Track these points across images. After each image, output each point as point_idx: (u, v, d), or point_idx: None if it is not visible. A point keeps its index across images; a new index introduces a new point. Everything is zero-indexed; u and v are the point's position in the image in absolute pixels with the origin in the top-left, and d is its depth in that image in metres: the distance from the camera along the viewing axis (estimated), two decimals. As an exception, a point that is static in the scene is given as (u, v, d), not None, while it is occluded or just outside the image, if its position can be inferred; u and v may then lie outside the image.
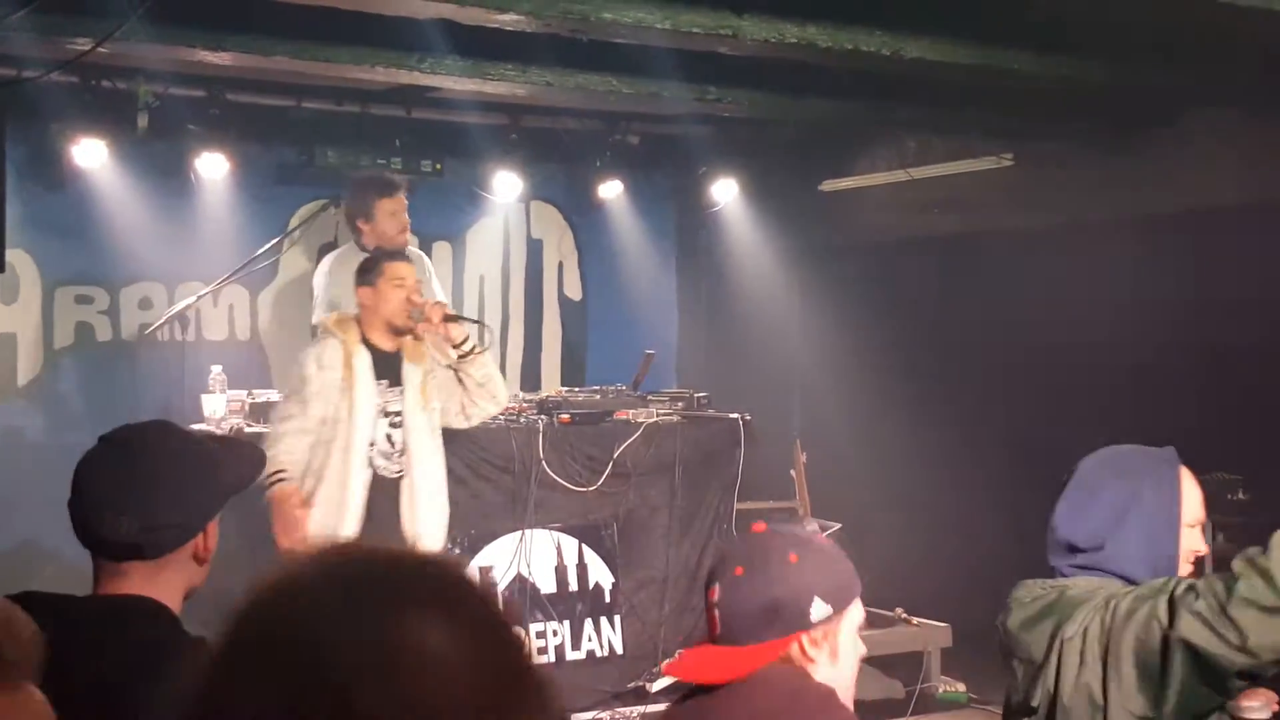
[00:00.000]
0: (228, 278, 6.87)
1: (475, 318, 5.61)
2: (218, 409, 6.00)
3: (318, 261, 7.47)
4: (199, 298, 6.77)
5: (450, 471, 6.13)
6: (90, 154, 6.69)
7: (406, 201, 6.95)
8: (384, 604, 1.00)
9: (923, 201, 8.02)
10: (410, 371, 5.54)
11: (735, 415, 6.76)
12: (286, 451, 5.34)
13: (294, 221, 7.67)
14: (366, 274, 5.54)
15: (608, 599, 6.51)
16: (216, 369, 6.18)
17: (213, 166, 7.00)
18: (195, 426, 5.36)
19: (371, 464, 5.50)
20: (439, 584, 1.04)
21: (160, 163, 7.14)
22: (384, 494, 5.51)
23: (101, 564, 2.21)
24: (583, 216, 8.95)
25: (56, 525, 2.22)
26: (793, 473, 6.55)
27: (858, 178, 8.47)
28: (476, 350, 5.64)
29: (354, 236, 6.96)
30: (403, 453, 5.52)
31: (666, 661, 6.47)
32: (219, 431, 5.78)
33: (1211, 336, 6.33)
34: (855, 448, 7.72)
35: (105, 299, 7.58)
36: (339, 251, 7.08)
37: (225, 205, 7.42)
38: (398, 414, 5.50)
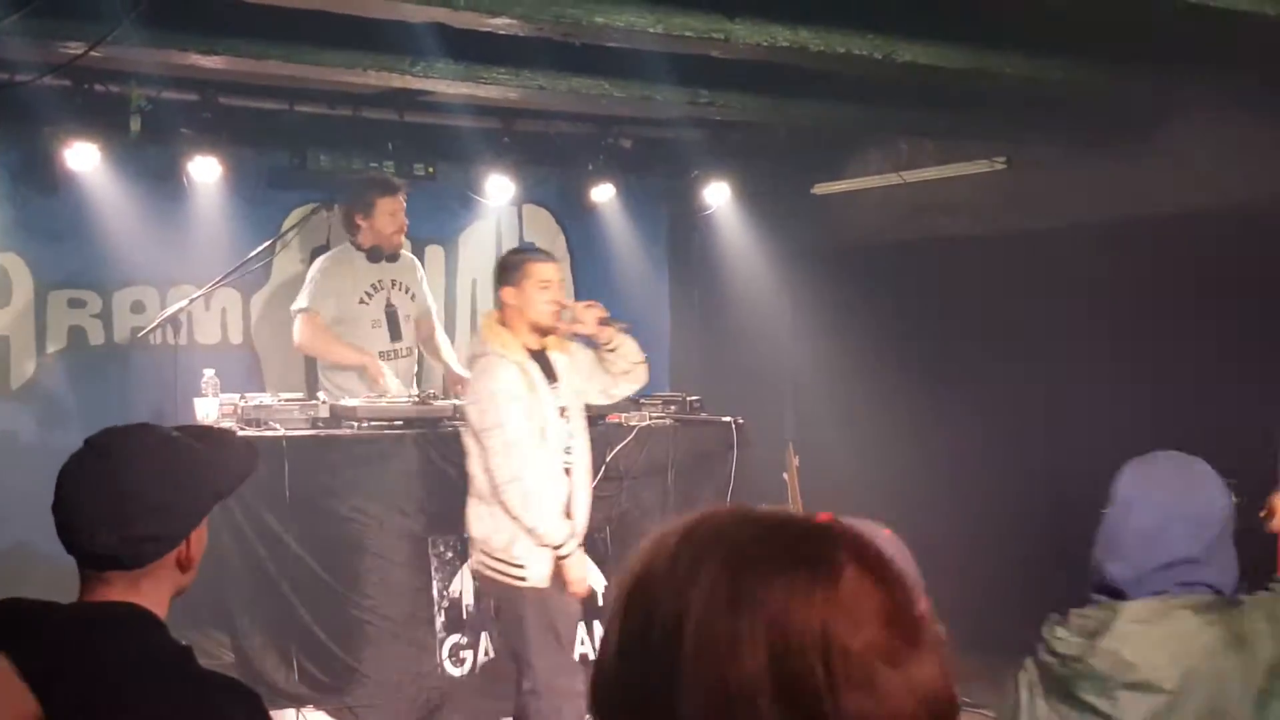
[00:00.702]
0: (220, 281, 6.87)
1: (624, 323, 5.59)
2: (210, 413, 6.00)
3: (309, 266, 7.49)
4: (191, 301, 6.77)
5: (444, 474, 6.14)
6: (83, 157, 6.69)
7: (405, 203, 6.99)
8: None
9: (916, 205, 8.03)
10: (559, 362, 5.47)
11: (728, 419, 6.76)
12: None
13: (286, 225, 7.67)
14: (509, 273, 5.40)
15: (600, 602, 6.50)
16: (209, 372, 6.17)
17: (205, 170, 6.99)
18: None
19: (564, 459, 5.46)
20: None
21: (153, 166, 7.14)
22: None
23: (85, 571, 2.21)
24: (575, 220, 8.96)
25: (48, 529, 2.21)
26: (785, 476, 6.54)
27: (850, 181, 8.48)
28: (620, 345, 5.59)
29: (350, 234, 6.99)
30: (570, 447, 5.44)
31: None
32: (213, 425, 5.75)
33: (1204, 337, 6.34)
34: (848, 451, 7.72)
35: (98, 302, 7.58)
36: (336, 250, 7.11)
37: (217, 209, 7.42)
38: (563, 408, 5.41)
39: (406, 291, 7.16)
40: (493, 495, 5.19)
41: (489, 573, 5.25)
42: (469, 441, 5.32)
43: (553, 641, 5.24)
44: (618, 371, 5.60)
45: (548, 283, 5.36)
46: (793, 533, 1.13)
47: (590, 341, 5.61)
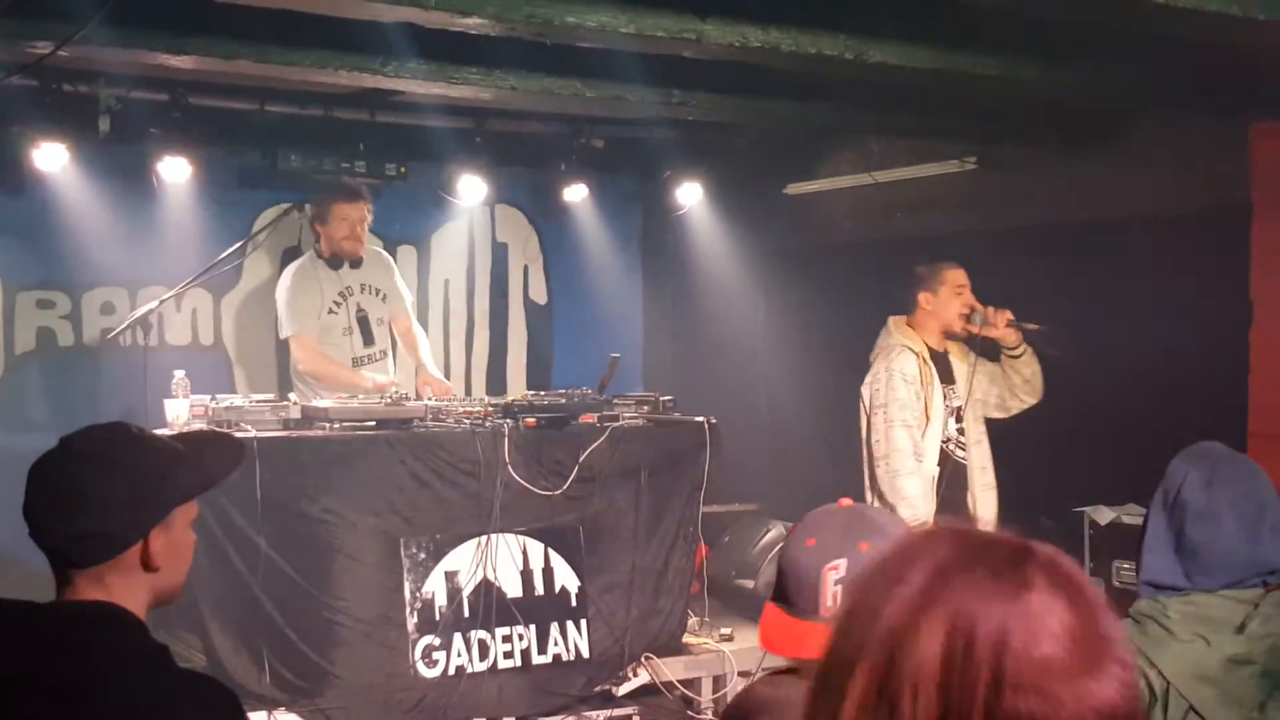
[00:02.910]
0: (190, 282, 6.83)
1: (1035, 324, 5.97)
2: (180, 414, 5.96)
3: (280, 267, 7.47)
4: (161, 302, 6.73)
5: (416, 475, 6.13)
6: (51, 158, 6.65)
7: (368, 211, 6.96)
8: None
9: (886, 204, 8.06)
10: (959, 368, 6.03)
11: (701, 418, 6.76)
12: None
13: (257, 225, 7.64)
14: (927, 280, 6.01)
15: (574, 603, 6.50)
16: (179, 374, 6.14)
17: (175, 170, 6.96)
18: (158, 432, 5.32)
19: (950, 455, 5.94)
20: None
21: (122, 166, 7.10)
22: (956, 483, 5.91)
23: (54, 570, 2.20)
24: (548, 220, 8.96)
25: (19, 530, 2.20)
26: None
27: (822, 181, 8.50)
28: (1024, 352, 5.99)
29: (313, 239, 6.98)
30: (964, 444, 5.97)
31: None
32: (174, 429, 5.72)
33: (1171, 339, 6.38)
34: (821, 449, 7.74)
35: (67, 304, 7.54)
36: (299, 263, 7.06)
37: (188, 209, 7.39)
38: (959, 409, 5.98)
39: (377, 294, 7.14)
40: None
41: None
42: (863, 419, 5.98)
43: None
44: (1018, 381, 6.01)
45: (962, 287, 5.96)
46: (994, 548, 1.23)
47: (995, 348, 6.04)
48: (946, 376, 5.99)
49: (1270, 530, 2.68)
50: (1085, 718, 1.15)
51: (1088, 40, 5.31)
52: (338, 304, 6.98)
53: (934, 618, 1.16)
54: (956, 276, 5.98)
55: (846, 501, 2.47)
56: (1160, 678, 2.60)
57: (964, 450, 5.98)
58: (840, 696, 1.19)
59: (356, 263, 7.03)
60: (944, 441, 5.92)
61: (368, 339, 7.05)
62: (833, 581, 2.25)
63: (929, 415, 5.85)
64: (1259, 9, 4.34)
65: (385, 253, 7.53)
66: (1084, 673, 1.15)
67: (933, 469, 5.86)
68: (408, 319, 7.32)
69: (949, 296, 5.95)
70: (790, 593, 2.30)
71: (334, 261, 6.96)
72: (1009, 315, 5.95)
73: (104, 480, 2.17)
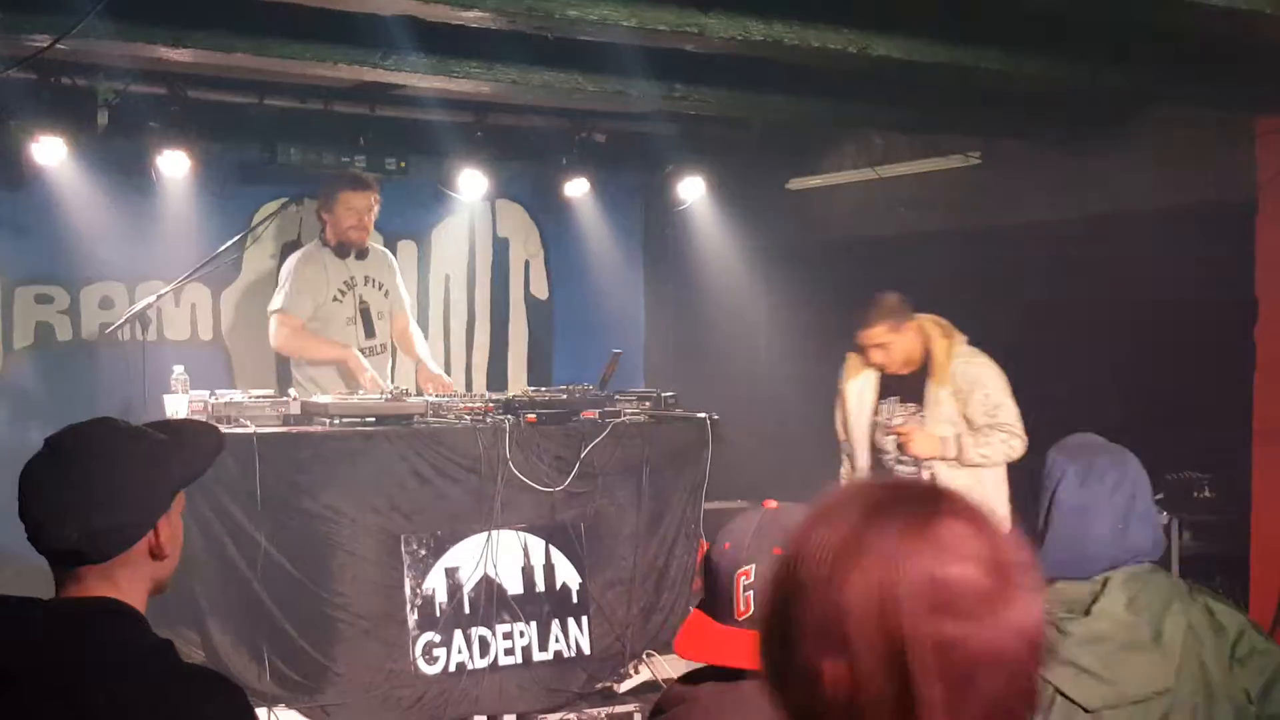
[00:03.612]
0: (189, 276, 6.81)
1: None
2: (180, 409, 5.94)
3: (280, 261, 7.44)
4: (160, 297, 6.70)
5: (417, 471, 6.11)
6: (50, 152, 6.62)
7: (376, 201, 6.93)
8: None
9: (890, 200, 8.03)
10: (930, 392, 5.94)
11: (703, 415, 6.74)
12: None
13: (256, 219, 7.62)
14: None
15: (575, 600, 6.48)
16: (178, 369, 6.12)
17: (174, 164, 6.93)
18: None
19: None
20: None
21: (121, 161, 7.07)
22: None
23: (57, 570, 2.18)
24: (549, 215, 8.94)
25: (16, 527, 2.18)
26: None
27: (825, 176, 8.47)
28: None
29: (320, 228, 6.95)
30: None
31: (640, 652, 6.45)
32: (176, 418, 5.71)
33: (1174, 334, 6.35)
34: (822, 447, 7.70)
35: (65, 298, 7.52)
36: (307, 248, 7.05)
37: (187, 203, 7.36)
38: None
39: (379, 287, 7.11)
40: None
41: None
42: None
43: None
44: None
45: (875, 348, 5.98)
46: (907, 491, 1.34)
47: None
48: (909, 394, 5.97)
49: (1139, 518, 2.79)
50: (1005, 639, 1.24)
51: (1092, 34, 5.28)
52: (342, 293, 6.95)
53: (860, 558, 1.25)
54: (867, 336, 5.98)
55: (771, 503, 2.45)
56: None
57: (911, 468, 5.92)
58: (791, 646, 1.28)
59: (362, 254, 7.00)
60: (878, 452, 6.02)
61: (369, 330, 7.02)
62: (743, 587, 2.24)
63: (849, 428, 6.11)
64: (1265, 3, 4.31)
65: (389, 252, 7.49)
66: (999, 596, 1.24)
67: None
68: (406, 319, 7.29)
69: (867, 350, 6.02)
70: (709, 596, 2.30)
71: (340, 250, 6.92)
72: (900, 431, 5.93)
73: (110, 475, 2.17)
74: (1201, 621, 2.71)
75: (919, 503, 1.30)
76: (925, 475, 5.84)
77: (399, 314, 7.25)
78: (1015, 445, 5.76)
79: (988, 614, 1.23)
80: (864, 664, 1.23)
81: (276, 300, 6.87)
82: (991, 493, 5.76)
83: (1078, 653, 2.67)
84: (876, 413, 6.06)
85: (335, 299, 6.92)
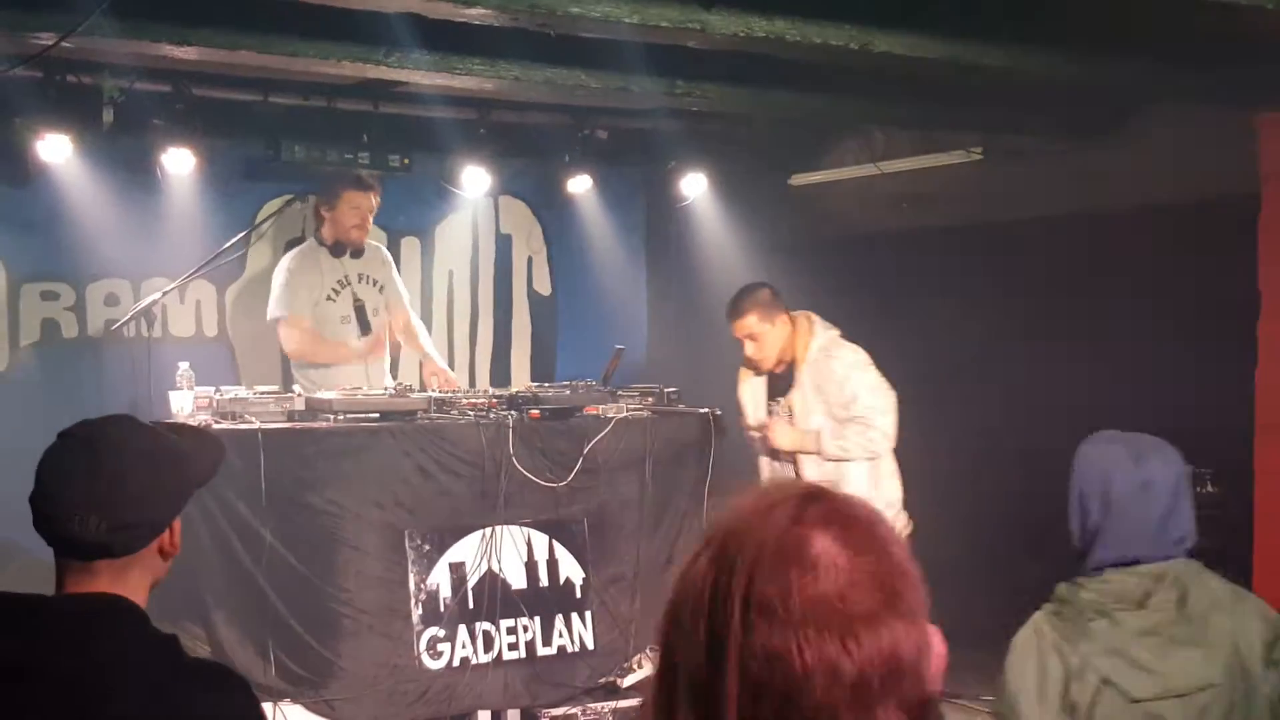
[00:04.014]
0: (194, 273, 6.82)
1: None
2: (185, 406, 5.96)
3: (284, 255, 7.46)
4: (165, 294, 6.72)
5: (420, 467, 6.12)
6: (55, 149, 6.62)
7: (377, 203, 6.95)
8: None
9: (892, 195, 8.03)
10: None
11: (705, 410, 6.75)
12: None
13: (260, 216, 7.63)
14: None
15: (578, 595, 6.49)
16: (183, 365, 6.13)
17: (179, 161, 6.94)
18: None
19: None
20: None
21: (126, 158, 7.09)
22: None
23: (68, 562, 2.19)
24: (552, 211, 8.94)
25: (22, 522, 2.19)
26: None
27: (827, 172, 8.47)
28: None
29: (315, 226, 6.97)
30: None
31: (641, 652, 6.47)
32: (180, 420, 5.74)
33: (1176, 329, 6.36)
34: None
35: (71, 295, 7.53)
36: (300, 248, 7.05)
37: (191, 200, 7.37)
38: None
39: (374, 285, 7.13)
40: None
41: None
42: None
43: None
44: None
45: (748, 338, 5.97)
46: (788, 490, 1.31)
47: None
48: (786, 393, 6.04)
49: (1183, 506, 2.86)
50: (833, 662, 1.19)
51: (1094, 30, 5.29)
52: (336, 291, 6.96)
53: (709, 549, 1.28)
54: (733, 329, 6.03)
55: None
56: (1074, 654, 2.74)
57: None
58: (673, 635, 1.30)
59: (357, 253, 7.02)
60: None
61: (364, 328, 7.02)
62: None
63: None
64: (1267, -2, 4.32)
65: (384, 248, 7.50)
66: (844, 614, 1.20)
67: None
68: (405, 314, 7.30)
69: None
70: None
71: (335, 249, 6.95)
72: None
73: (139, 471, 2.19)
74: (1247, 623, 2.76)
75: (795, 501, 1.28)
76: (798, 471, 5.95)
77: (398, 309, 7.26)
78: (874, 437, 5.81)
79: (815, 632, 1.20)
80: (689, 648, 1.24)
81: (276, 307, 6.88)
82: (886, 485, 5.90)
83: (1131, 644, 2.72)
84: (769, 413, 6.12)
85: (329, 298, 6.94)
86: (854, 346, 5.95)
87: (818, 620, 1.19)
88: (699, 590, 1.26)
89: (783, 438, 5.93)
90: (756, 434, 6.09)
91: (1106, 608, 2.77)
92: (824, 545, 1.23)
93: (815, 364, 5.89)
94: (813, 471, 5.85)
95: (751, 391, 6.16)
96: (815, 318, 6.03)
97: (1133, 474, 2.84)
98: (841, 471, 5.80)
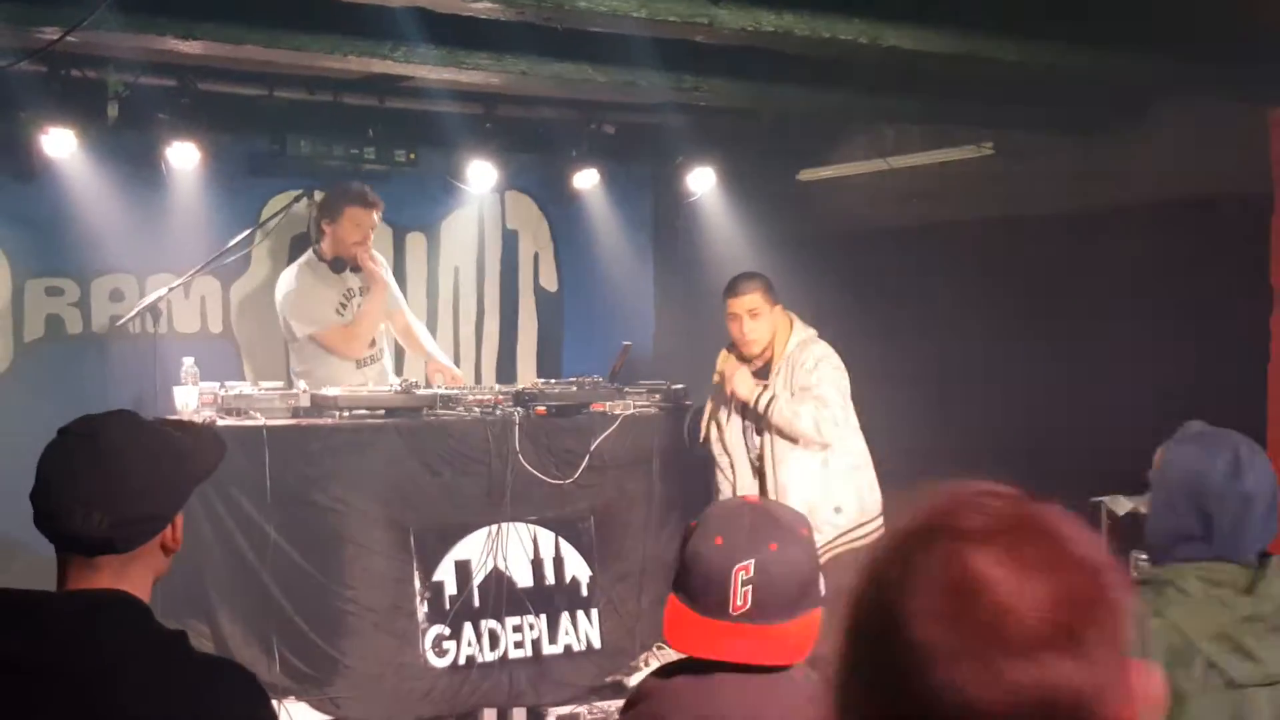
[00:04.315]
0: (199, 269, 6.80)
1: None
2: (190, 402, 5.94)
3: (290, 253, 7.45)
4: (170, 290, 6.69)
5: (426, 464, 6.10)
6: (60, 144, 6.60)
7: (378, 220, 6.92)
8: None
9: (901, 191, 8.00)
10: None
11: (713, 406, 6.72)
12: None
13: (266, 212, 7.60)
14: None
15: (585, 592, 6.47)
16: (188, 361, 6.12)
17: (184, 156, 6.92)
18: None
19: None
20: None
21: (131, 153, 7.06)
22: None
23: (70, 558, 2.18)
24: (559, 207, 8.91)
25: (26, 519, 2.18)
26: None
27: (836, 167, 8.44)
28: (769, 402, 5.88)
29: (315, 239, 6.90)
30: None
31: (652, 647, 6.45)
32: (181, 417, 5.73)
33: (1188, 325, 6.33)
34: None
35: (76, 291, 7.51)
36: (299, 266, 6.92)
37: (197, 196, 7.35)
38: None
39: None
40: None
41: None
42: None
43: None
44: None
45: (734, 316, 6.02)
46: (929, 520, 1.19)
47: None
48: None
49: (1274, 510, 2.83)
50: (972, 696, 1.08)
51: (1106, 24, 5.26)
52: (343, 305, 6.91)
53: (871, 559, 1.19)
54: (733, 304, 6.02)
55: (752, 498, 2.47)
56: (1178, 633, 2.69)
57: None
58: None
59: (357, 267, 6.94)
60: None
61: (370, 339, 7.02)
62: (741, 582, 2.24)
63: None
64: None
65: (378, 253, 7.41)
66: (997, 642, 1.09)
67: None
68: (404, 315, 7.26)
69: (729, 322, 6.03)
70: (696, 590, 2.29)
71: (336, 265, 6.87)
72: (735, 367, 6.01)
73: (144, 466, 2.19)
74: None
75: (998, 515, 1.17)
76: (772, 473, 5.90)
77: (396, 314, 7.23)
78: (826, 417, 5.79)
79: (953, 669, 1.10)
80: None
81: (301, 328, 6.77)
82: (867, 497, 5.91)
83: (1239, 630, 2.70)
84: (745, 416, 6.05)
85: (338, 311, 6.88)
86: (829, 347, 5.97)
87: (962, 648, 1.09)
88: (848, 607, 1.18)
89: (741, 385, 5.91)
90: (715, 437, 6.07)
91: (1214, 592, 2.75)
92: (981, 561, 1.12)
93: (790, 357, 5.90)
94: (795, 479, 5.81)
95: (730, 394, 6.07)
96: (795, 317, 6.04)
97: (1234, 486, 2.80)
98: (826, 485, 5.81)
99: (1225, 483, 2.79)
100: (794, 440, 5.84)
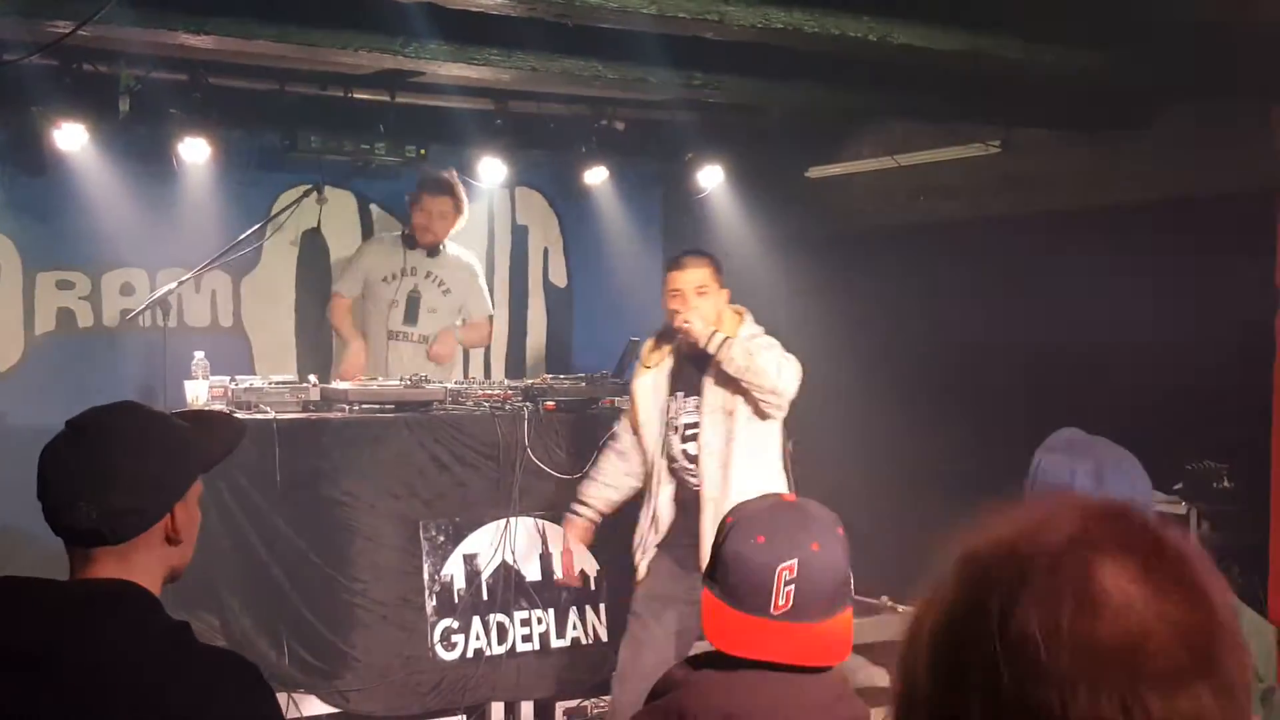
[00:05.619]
0: (210, 263, 6.82)
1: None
2: (200, 395, 5.96)
3: (300, 248, 7.54)
4: (181, 283, 6.72)
5: (435, 457, 6.12)
6: (71, 138, 6.63)
7: (454, 209, 7.24)
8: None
9: (910, 188, 8.00)
10: (707, 381, 5.36)
11: (721, 402, 6.72)
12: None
13: (276, 207, 7.63)
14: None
15: (593, 587, 6.49)
16: (199, 355, 6.14)
17: (195, 151, 6.94)
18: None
19: (676, 476, 5.49)
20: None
21: (142, 147, 7.09)
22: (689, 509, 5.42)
23: (72, 550, 2.21)
24: (568, 203, 8.93)
25: (36, 510, 2.20)
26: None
27: (845, 164, 8.44)
28: (722, 344, 5.27)
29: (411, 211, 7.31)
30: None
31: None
32: (197, 406, 5.76)
33: (1194, 323, 6.32)
34: (841, 434, 7.71)
35: (86, 284, 7.54)
36: (380, 234, 7.55)
37: (207, 190, 7.38)
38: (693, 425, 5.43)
39: (439, 285, 7.30)
40: None
41: None
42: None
43: None
44: (734, 374, 5.38)
45: (675, 291, 5.46)
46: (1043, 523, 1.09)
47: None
48: (687, 388, 5.49)
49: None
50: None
51: (1113, 21, 5.26)
52: (394, 276, 7.22)
53: (961, 566, 1.09)
54: (676, 279, 5.44)
55: (789, 496, 2.47)
56: None
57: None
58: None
59: (433, 251, 7.24)
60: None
61: (410, 318, 7.24)
62: (785, 582, 2.25)
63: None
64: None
65: (476, 262, 7.60)
66: (1132, 671, 0.98)
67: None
68: (486, 327, 7.63)
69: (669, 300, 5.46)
70: (737, 588, 2.30)
71: (409, 240, 7.25)
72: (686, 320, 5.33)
73: (133, 456, 2.19)
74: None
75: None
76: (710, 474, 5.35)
77: (479, 320, 7.57)
78: (787, 367, 5.28)
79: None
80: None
81: (334, 285, 7.43)
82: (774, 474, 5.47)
83: None
84: (667, 411, 5.51)
85: (386, 280, 7.20)
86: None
87: (1092, 674, 0.97)
88: (942, 616, 1.05)
89: (698, 321, 5.28)
90: (674, 434, 5.46)
91: None
92: (1114, 577, 1.00)
93: (742, 343, 5.32)
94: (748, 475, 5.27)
95: (651, 387, 5.59)
96: (747, 311, 5.56)
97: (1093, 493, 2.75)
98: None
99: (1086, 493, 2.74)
100: (744, 393, 5.28)
